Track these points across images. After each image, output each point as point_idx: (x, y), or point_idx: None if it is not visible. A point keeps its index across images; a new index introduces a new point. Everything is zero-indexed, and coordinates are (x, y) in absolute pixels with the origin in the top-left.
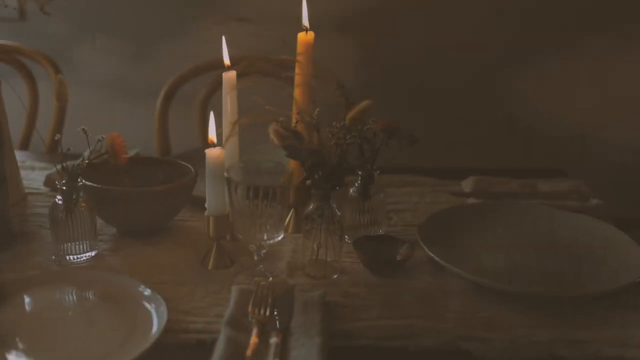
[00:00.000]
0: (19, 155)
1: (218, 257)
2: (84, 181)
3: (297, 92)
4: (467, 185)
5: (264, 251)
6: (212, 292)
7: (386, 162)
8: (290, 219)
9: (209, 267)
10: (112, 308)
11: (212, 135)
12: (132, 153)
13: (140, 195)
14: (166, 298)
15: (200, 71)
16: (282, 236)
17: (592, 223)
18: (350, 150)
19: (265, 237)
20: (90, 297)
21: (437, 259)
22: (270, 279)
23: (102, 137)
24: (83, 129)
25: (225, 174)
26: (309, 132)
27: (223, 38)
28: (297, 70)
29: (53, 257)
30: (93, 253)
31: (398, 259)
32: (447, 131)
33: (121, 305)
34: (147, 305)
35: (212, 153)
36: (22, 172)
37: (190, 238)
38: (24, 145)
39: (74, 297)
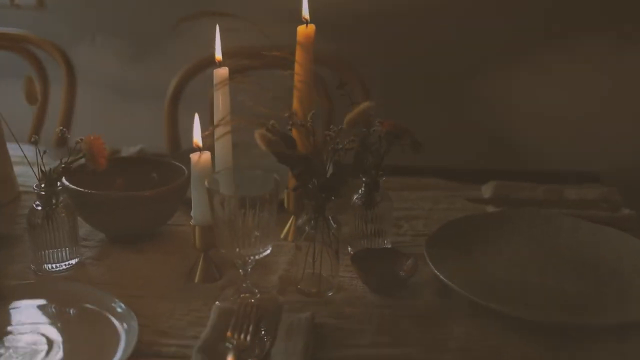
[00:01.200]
0: (26, 150)
1: (205, 269)
2: (69, 184)
3: (296, 93)
4: (486, 190)
5: (250, 267)
6: (194, 310)
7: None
8: (289, 227)
9: (196, 280)
10: (78, 328)
11: (197, 138)
12: (136, 149)
13: (125, 200)
14: (143, 315)
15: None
16: (269, 251)
17: (620, 238)
18: (351, 156)
19: (250, 253)
20: (58, 313)
21: (442, 277)
22: (258, 295)
23: (81, 140)
24: (61, 129)
25: (206, 183)
26: (303, 136)
27: (217, 31)
28: (296, 68)
29: (32, 266)
30: (74, 261)
31: (400, 275)
32: (469, 126)
33: (89, 325)
34: (117, 324)
35: (197, 158)
36: (22, 169)
37: (180, 245)
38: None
39: (39, 314)
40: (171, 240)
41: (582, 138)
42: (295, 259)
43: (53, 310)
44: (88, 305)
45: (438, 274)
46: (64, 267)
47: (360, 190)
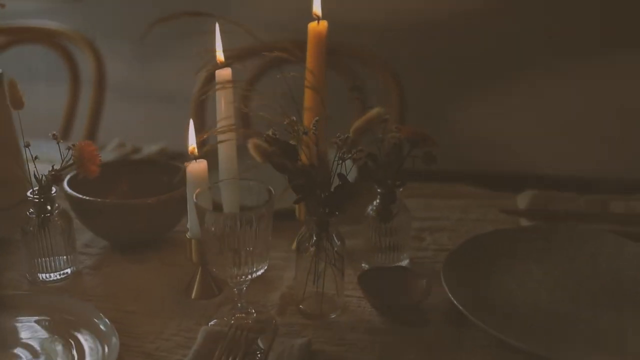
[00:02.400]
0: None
1: (202, 284)
2: (68, 189)
3: (307, 97)
4: (522, 200)
5: (245, 285)
6: (185, 330)
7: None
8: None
9: (192, 296)
10: (54, 348)
11: (193, 145)
12: (157, 148)
13: (123, 208)
14: (131, 333)
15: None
16: (264, 269)
17: None
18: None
19: (243, 272)
20: (37, 330)
21: (456, 303)
22: (255, 315)
23: (72, 146)
24: (53, 134)
25: (194, 198)
26: (306, 145)
27: (217, 30)
28: (307, 71)
29: (27, 275)
30: (69, 271)
31: (412, 298)
32: (508, 127)
33: (66, 346)
34: (93, 345)
35: (193, 167)
36: (40, 167)
37: (184, 255)
38: (65, 136)
39: (16, 328)
40: (176, 249)
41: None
42: (296, 277)
43: (34, 325)
44: (70, 322)
45: (452, 299)
46: (59, 276)
47: (375, 202)
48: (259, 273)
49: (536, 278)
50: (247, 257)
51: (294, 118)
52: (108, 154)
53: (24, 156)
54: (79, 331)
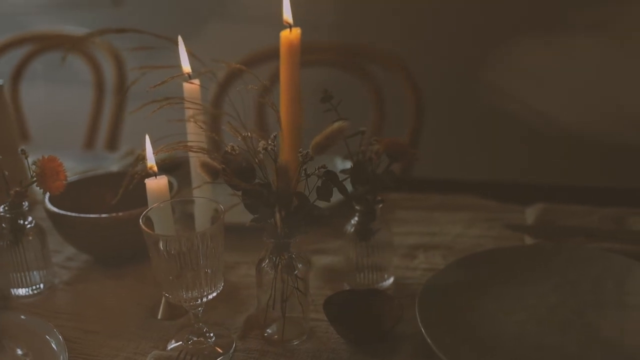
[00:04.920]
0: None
1: (169, 304)
2: (48, 204)
3: (282, 110)
4: (530, 214)
5: (201, 309)
6: (141, 352)
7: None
8: None
9: (159, 316)
10: None
11: (151, 162)
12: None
13: (95, 222)
14: (88, 355)
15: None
16: (219, 290)
17: None
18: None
19: (196, 296)
20: None
21: (425, 335)
22: (213, 338)
23: (36, 161)
24: (22, 150)
25: (140, 222)
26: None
27: (180, 44)
28: (281, 81)
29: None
30: (42, 286)
31: (380, 325)
32: (519, 131)
33: None
34: None
35: (153, 184)
36: None
37: None
38: (90, 144)
39: None
40: None
41: None
42: (258, 302)
43: None
44: (24, 342)
45: (422, 330)
46: (31, 292)
47: (353, 220)
48: (213, 295)
49: (528, 306)
50: (195, 279)
51: (248, 134)
52: (114, 163)
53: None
54: (24, 351)
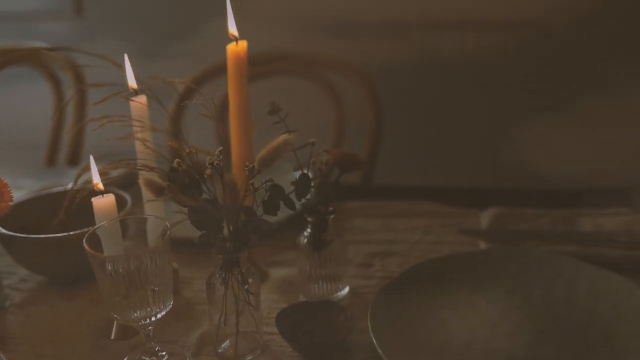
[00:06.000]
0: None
1: (120, 324)
2: None
3: (232, 124)
4: (485, 219)
5: (151, 328)
6: None
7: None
8: None
9: (112, 336)
10: None
11: (97, 180)
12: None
13: (43, 243)
14: None
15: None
16: (168, 308)
17: (624, 290)
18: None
19: (144, 315)
20: None
21: (376, 345)
22: (166, 358)
23: None
24: None
25: (84, 242)
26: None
27: (125, 59)
28: (230, 95)
29: None
30: None
31: (332, 337)
32: (475, 137)
33: None
34: None
35: (99, 203)
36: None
37: None
38: (51, 160)
39: None
40: None
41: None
42: (210, 318)
43: None
44: None
45: (374, 340)
46: None
47: (305, 232)
48: (162, 314)
49: (479, 312)
50: (143, 299)
51: (192, 150)
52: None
53: None
54: None
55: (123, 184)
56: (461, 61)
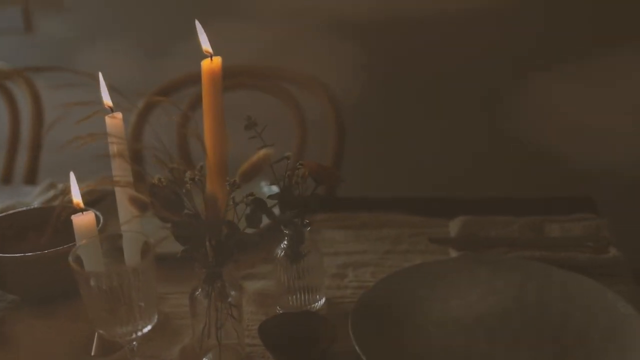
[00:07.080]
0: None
1: (101, 340)
2: None
3: (207, 141)
4: (453, 227)
5: (135, 343)
6: None
7: (369, 192)
8: None
9: (92, 353)
10: None
11: (77, 197)
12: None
13: (17, 262)
14: None
15: None
16: (154, 323)
17: (594, 292)
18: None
19: (129, 330)
20: None
21: (360, 353)
22: None
23: None
24: None
25: (69, 258)
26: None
27: (100, 76)
28: (205, 111)
29: None
30: None
31: (315, 347)
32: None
33: None
34: None
35: (79, 220)
36: None
37: None
38: (7, 179)
39: None
40: None
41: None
42: (193, 331)
43: None
44: None
45: (357, 348)
46: None
47: (282, 244)
48: (148, 329)
49: (456, 316)
50: (129, 314)
51: (175, 165)
52: (34, 198)
53: None
54: None
55: (90, 201)
56: (426, 65)
